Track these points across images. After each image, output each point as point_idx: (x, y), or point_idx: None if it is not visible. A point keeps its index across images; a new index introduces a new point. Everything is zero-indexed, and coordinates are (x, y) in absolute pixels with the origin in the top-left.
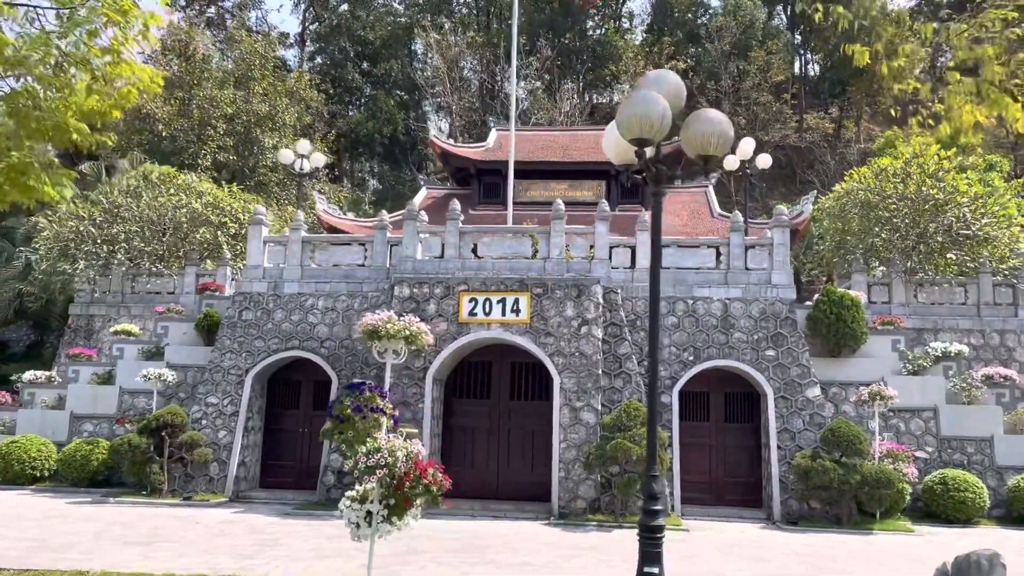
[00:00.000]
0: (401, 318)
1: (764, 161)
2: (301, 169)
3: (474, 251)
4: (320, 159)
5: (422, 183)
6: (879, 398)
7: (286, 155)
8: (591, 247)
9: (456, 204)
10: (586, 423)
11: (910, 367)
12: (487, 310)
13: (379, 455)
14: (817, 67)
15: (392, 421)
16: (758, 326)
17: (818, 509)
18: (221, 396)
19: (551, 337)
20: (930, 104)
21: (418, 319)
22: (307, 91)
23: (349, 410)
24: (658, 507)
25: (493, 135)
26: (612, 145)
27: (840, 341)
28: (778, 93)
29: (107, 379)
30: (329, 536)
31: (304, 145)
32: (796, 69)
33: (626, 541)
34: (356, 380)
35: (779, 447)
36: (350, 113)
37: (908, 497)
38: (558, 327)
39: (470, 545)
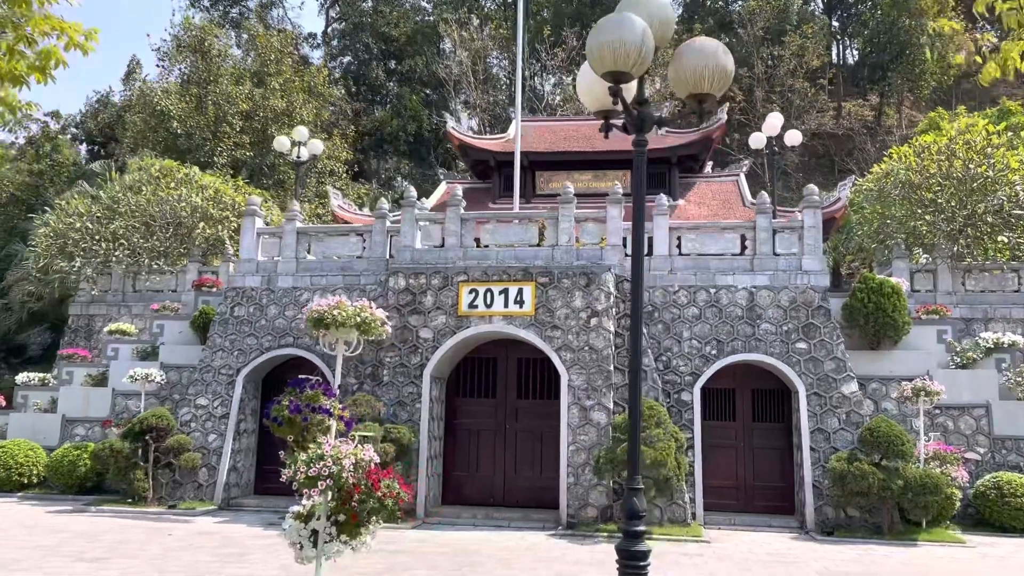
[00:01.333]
0: (353, 304)
1: (794, 138)
2: (299, 157)
3: (477, 242)
4: (318, 146)
5: (442, 177)
6: (924, 394)
7: (282, 143)
8: (603, 234)
9: (458, 190)
10: (597, 424)
11: (958, 360)
12: (488, 302)
13: (321, 464)
14: (856, 52)
15: (344, 423)
16: (788, 316)
17: (856, 517)
18: (211, 397)
19: (558, 330)
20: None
21: (378, 308)
22: (325, 87)
23: (286, 411)
24: (639, 528)
25: (514, 125)
26: (585, 88)
27: (880, 332)
28: (814, 78)
29: (101, 381)
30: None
31: (301, 132)
32: (834, 57)
33: None
34: (302, 376)
35: (812, 449)
36: (375, 111)
37: (958, 504)
38: (565, 319)
39: (461, 561)
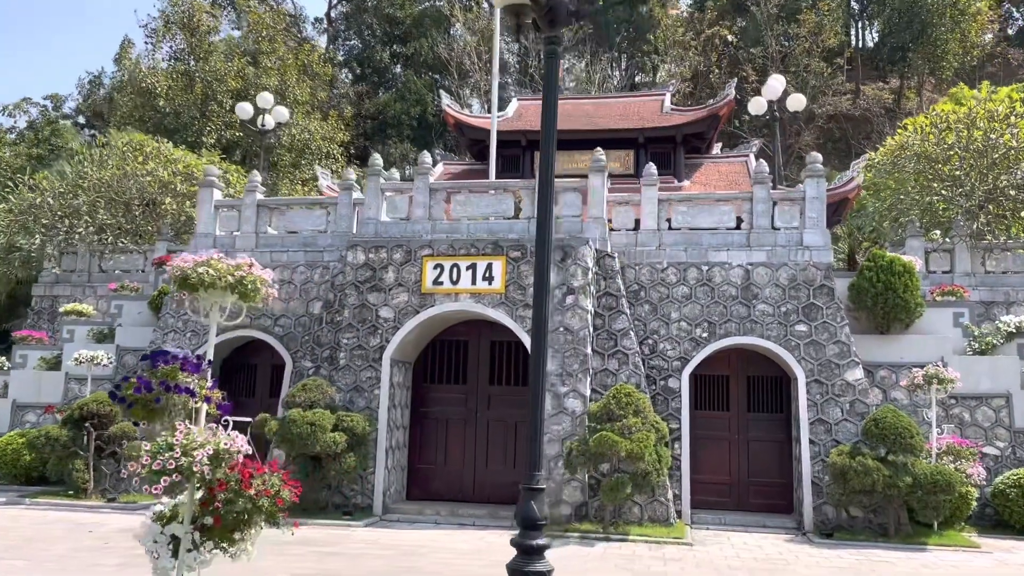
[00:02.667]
0: (222, 259)
1: (797, 102)
2: (263, 126)
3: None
4: (284, 113)
5: (439, 158)
6: (937, 382)
7: (244, 109)
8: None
9: (426, 156)
10: (572, 412)
11: (976, 345)
12: (454, 278)
13: (168, 455)
14: (875, 34)
15: (218, 408)
16: (787, 296)
17: (859, 518)
18: None
19: (531, 309)
20: None
21: (270, 271)
22: (321, 66)
23: (131, 391)
24: (536, 541)
25: (513, 104)
26: None
27: (889, 314)
28: (830, 59)
29: (55, 364)
30: None
31: (265, 98)
32: (852, 40)
33: (606, 560)
34: (165, 348)
35: (812, 441)
36: (380, 95)
37: (974, 504)
38: None
39: (400, 567)
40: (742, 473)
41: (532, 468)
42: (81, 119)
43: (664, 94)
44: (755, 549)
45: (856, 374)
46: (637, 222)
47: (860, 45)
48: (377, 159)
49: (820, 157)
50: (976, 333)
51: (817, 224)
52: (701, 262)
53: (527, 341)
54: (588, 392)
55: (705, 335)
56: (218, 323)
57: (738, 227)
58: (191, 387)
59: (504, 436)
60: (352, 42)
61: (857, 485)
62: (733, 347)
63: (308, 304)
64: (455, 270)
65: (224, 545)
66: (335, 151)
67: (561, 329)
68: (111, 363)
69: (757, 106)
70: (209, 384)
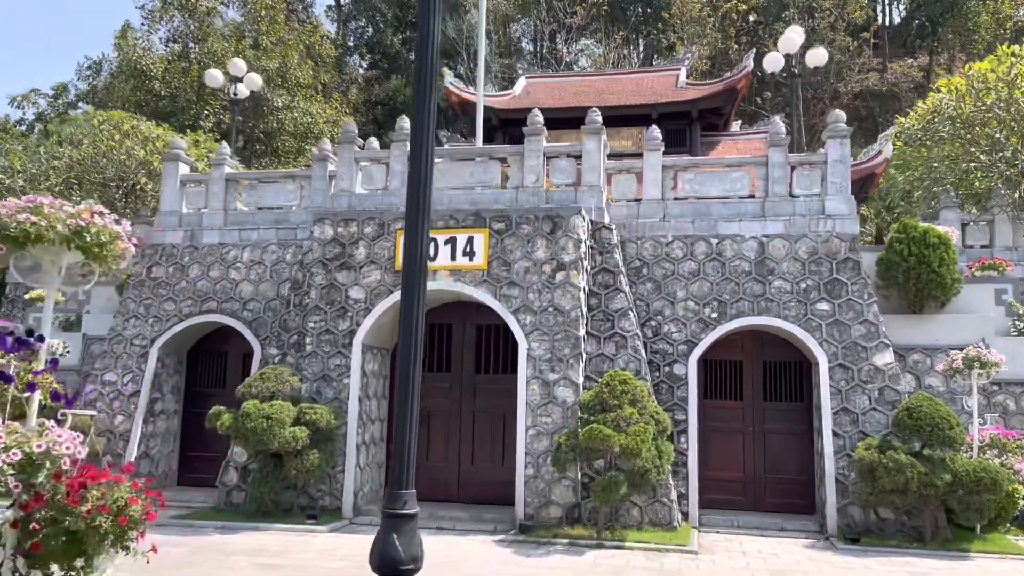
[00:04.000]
0: (62, 207)
1: (818, 57)
2: (235, 94)
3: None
4: (256, 81)
5: (444, 139)
6: (978, 366)
7: (214, 77)
8: (580, 173)
9: (404, 120)
10: (563, 402)
11: (1021, 325)
12: (432, 253)
13: None
14: (902, 9)
15: (53, 396)
16: (807, 271)
17: (890, 520)
18: (121, 372)
19: (516, 287)
20: None
21: (119, 222)
22: (323, 47)
23: None
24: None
25: (521, 82)
26: None
27: (923, 291)
28: (855, 34)
29: None
30: (164, 566)
31: (238, 65)
32: (879, 16)
33: (594, 572)
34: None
35: (835, 434)
36: (391, 80)
37: (1021, 503)
38: (525, 274)
39: None
40: (757, 469)
41: (398, 484)
42: (83, 105)
43: (679, 68)
44: (770, 557)
45: (886, 357)
46: (639, 189)
47: (888, 22)
48: (351, 125)
49: (843, 115)
50: (1021, 311)
51: (840, 190)
52: (710, 234)
53: (511, 322)
54: (581, 380)
55: (715, 316)
56: (60, 288)
57: (751, 195)
58: (7, 372)
59: (492, 429)
60: (362, 25)
61: (888, 483)
62: (746, 328)
63: (280, 286)
64: (432, 245)
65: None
66: (339, 135)
67: (550, 309)
68: (68, 352)
69: (773, 62)
70: (41, 368)
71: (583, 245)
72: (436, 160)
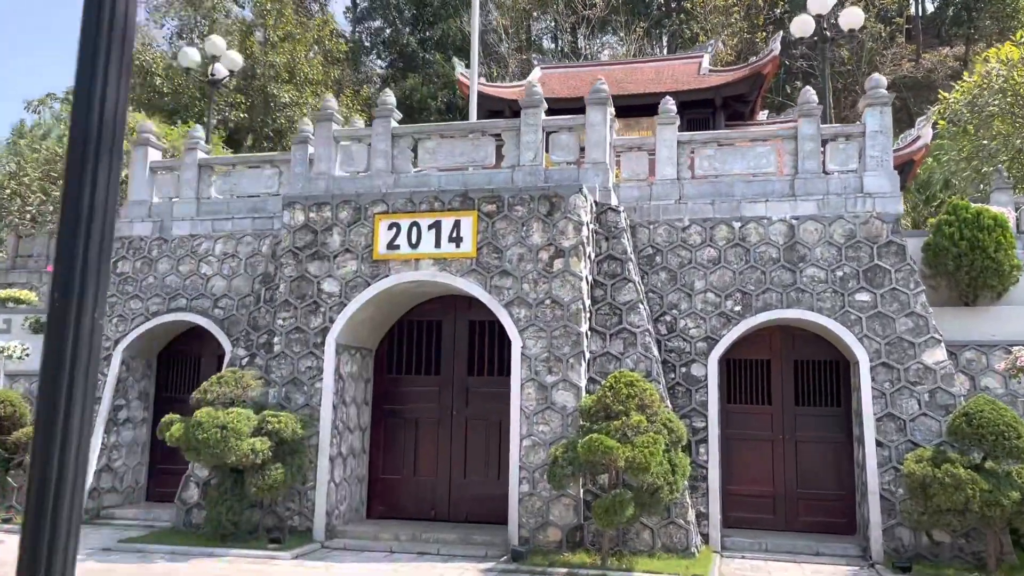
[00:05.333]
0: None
1: (853, 18)
2: (213, 75)
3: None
4: (237, 60)
5: None
6: None
7: (189, 55)
8: (582, 149)
9: (387, 94)
10: (562, 408)
11: None
12: (413, 240)
13: None
14: None
15: None
16: (843, 256)
17: (946, 544)
18: None
19: (508, 277)
20: None
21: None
22: (332, 41)
23: None
24: None
25: (536, 72)
26: None
27: (977, 280)
28: (888, 20)
29: None
30: None
31: (216, 43)
32: (912, 6)
33: None
34: None
35: (879, 443)
36: (407, 79)
37: None
38: (519, 261)
39: None
40: (789, 484)
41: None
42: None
43: (702, 55)
44: None
45: (937, 355)
46: (651, 168)
47: (920, 12)
48: (331, 101)
49: (883, 80)
50: None
51: (881, 164)
52: (733, 217)
53: (503, 317)
54: (584, 382)
55: (738, 309)
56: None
57: (779, 172)
58: None
59: (485, 439)
60: (379, 26)
61: (943, 502)
62: (775, 323)
63: (254, 281)
64: (414, 230)
65: None
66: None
67: (547, 302)
68: (27, 355)
69: (802, 26)
70: None
71: (585, 228)
72: (424, 139)
